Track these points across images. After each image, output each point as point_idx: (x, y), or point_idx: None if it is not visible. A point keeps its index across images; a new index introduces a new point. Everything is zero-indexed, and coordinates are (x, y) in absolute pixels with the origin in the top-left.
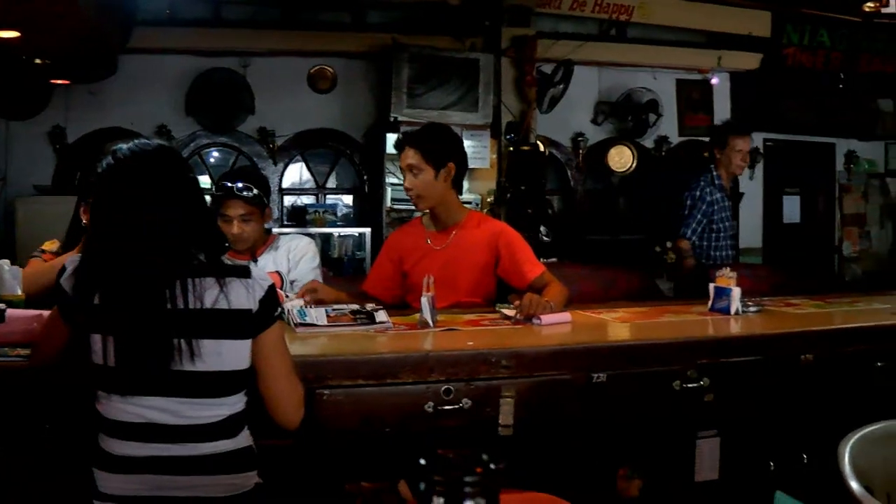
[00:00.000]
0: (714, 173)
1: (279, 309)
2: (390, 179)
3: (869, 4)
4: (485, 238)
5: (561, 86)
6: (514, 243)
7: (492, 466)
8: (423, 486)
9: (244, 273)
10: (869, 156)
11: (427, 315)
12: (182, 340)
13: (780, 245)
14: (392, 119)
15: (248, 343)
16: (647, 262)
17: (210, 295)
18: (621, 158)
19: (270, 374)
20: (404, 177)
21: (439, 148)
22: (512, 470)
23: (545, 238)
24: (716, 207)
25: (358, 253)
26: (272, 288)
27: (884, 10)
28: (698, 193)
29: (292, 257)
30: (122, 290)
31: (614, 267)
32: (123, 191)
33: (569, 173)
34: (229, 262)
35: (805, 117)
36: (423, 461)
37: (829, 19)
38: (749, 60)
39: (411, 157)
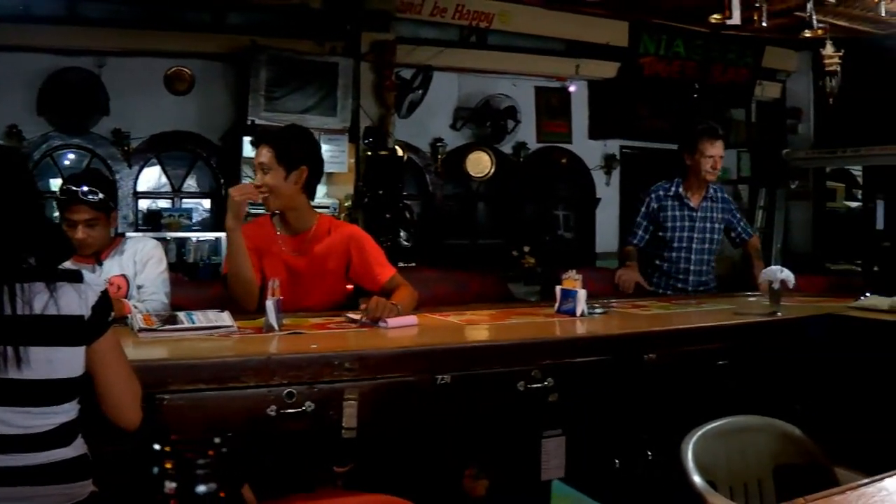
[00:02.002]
0: (675, 181)
1: (113, 314)
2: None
3: (715, 16)
4: (336, 243)
5: (420, 91)
6: (365, 247)
7: (224, 450)
8: (155, 470)
9: (76, 278)
10: (722, 163)
11: (272, 319)
12: (9, 347)
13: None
14: (249, 122)
15: (80, 350)
16: (506, 266)
17: (39, 300)
18: (480, 164)
19: (107, 381)
20: (256, 175)
21: (293, 150)
22: (357, 472)
23: (405, 243)
24: (666, 215)
25: (214, 258)
26: (105, 293)
27: (728, 23)
28: (644, 198)
29: (138, 260)
30: None
31: (466, 270)
32: None
33: (427, 178)
34: (72, 267)
35: (661, 125)
36: (156, 446)
37: (685, 30)
38: (607, 69)
39: (264, 154)
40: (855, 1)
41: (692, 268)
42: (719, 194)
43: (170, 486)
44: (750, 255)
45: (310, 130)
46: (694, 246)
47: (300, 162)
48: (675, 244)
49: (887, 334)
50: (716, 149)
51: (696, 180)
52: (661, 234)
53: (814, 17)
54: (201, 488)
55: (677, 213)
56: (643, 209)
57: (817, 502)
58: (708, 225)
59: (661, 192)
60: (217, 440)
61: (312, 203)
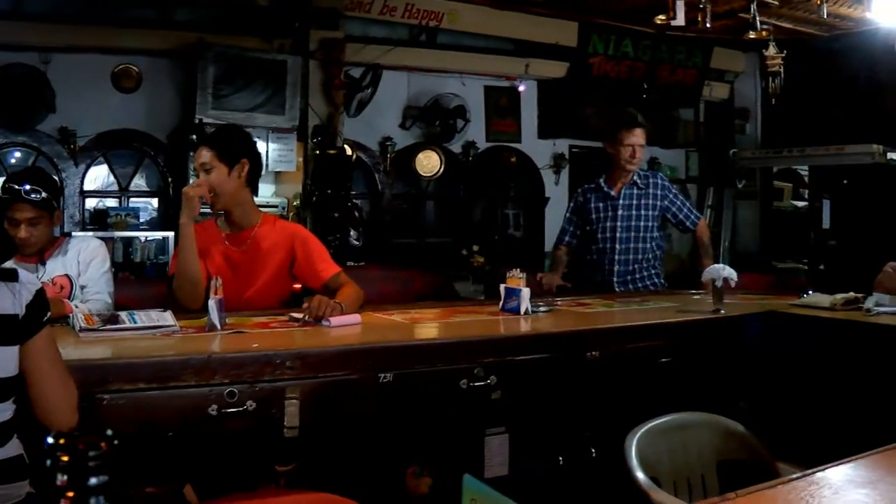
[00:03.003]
0: (602, 178)
1: (49, 314)
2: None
3: (660, 17)
4: (281, 239)
5: (369, 90)
6: (309, 243)
7: (116, 443)
8: (48, 462)
9: (11, 277)
10: (670, 163)
11: (214, 318)
12: None
13: None
14: (197, 120)
15: (14, 349)
16: (455, 265)
17: None
18: (429, 163)
19: (42, 380)
20: (199, 177)
21: (232, 145)
22: (300, 471)
23: (355, 242)
24: (589, 208)
25: (161, 257)
26: (41, 292)
27: (673, 23)
28: (574, 195)
29: (82, 260)
30: None
31: (412, 269)
32: None
33: (376, 177)
34: (12, 266)
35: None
36: (49, 440)
37: (634, 31)
38: (556, 69)
39: (204, 155)
40: (798, 3)
41: (618, 258)
42: (652, 180)
43: (62, 478)
44: (698, 249)
45: (242, 127)
46: (618, 235)
47: (240, 156)
48: (600, 235)
49: (827, 331)
50: (635, 137)
51: (618, 170)
52: (588, 228)
53: (757, 18)
54: (93, 480)
55: (601, 204)
56: (572, 206)
57: (749, 496)
58: (634, 213)
59: (586, 186)
60: (109, 432)
61: (259, 201)
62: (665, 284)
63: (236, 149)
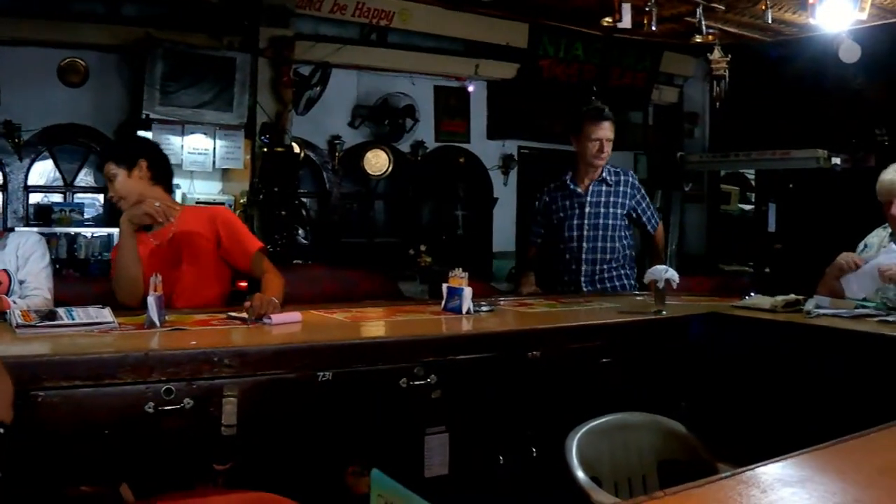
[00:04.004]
0: (568, 175)
1: None
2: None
3: (606, 20)
4: (202, 224)
5: (318, 88)
6: (231, 222)
7: (2, 432)
8: None
9: None
10: (619, 165)
11: (153, 315)
12: None
13: None
14: (144, 116)
15: None
16: (402, 264)
17: None
18: (377, 162)
19: None
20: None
21: (126, 149)
22: (238, 470)
23: (303, 241)
24: (556, 206)
25: (106, 254)
26: None
27: (619, 26)
28: (539, 196)
29: (21, 255)
30: None
31: (357, 268)
32: None
33: (325, 176)
34: None
35: (559, 127)
36: None
37: (584, 34)
38: (506, 70)
39: (106, 168)
40: (744, 8)
41: (585, 257)
42: (622, 177)
43: None
44: (652, 253)
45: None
46: (585, 234)
47: (136, 156)
48: (566, 234)
49: (767, 332)
50: (602, 130)
51: (584, 165)
52: (553, 227)
53: (703, 22)
54: None
55: (566, 202)
56: (537, 205)
57: (677, 495)
58: (601, 210)
59: (552, 185)
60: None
61: (205, 198)
62: (636, 285)
63: (131, 151)
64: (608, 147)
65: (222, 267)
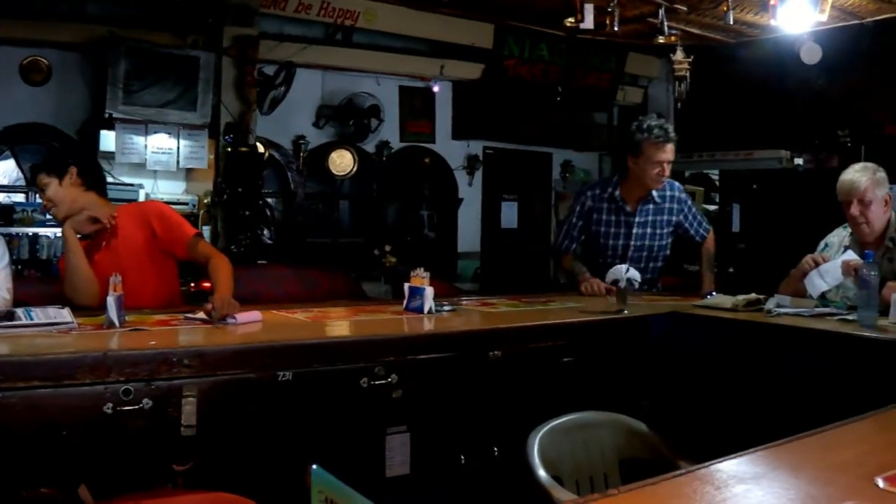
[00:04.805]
0: (613, 181)
1: None
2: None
3: (569, 20)
4: (136, 221)
5: (283, 88)
6: (163, 213)
7: None
8: None
9: None
10: (584, 166)
11: (113, 315)
12: None
13: (497, 249)
14: (107, 115)
15: None
16: (367, 264)
17: None
18: (342, 162)
19: None
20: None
21: (55, 158)
22: (198, 470)
23: (268, 241)
24: (599, 218)
25: None
26: None
27: (581, 26)
28: (578, 198)
29: None
30: None
31: (320, 268)
32: None
33: (289, 176)
34: None
35: (524, 127)
36: None
37: (550, 34)
38: (471, 70)
39: (38, 178)
40: (706, 9)
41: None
42: (668, 193)
43: None
44: (700, 260)
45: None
46: (630, 255)
47: (66, 164)
48: (610, 252)
49: (728, 331)
50: (665, 154)
51: (639, 185)
52: (592, 237)
53: (665, 23)
54: None
55: (612, 217)
56: (577, 209)
57: (632, 492)
58: (648, 231)
59: (598, 191)
60: None
61: (169, 198)
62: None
63: (60, 160)
64: (668, 170)
65: (166, 262)
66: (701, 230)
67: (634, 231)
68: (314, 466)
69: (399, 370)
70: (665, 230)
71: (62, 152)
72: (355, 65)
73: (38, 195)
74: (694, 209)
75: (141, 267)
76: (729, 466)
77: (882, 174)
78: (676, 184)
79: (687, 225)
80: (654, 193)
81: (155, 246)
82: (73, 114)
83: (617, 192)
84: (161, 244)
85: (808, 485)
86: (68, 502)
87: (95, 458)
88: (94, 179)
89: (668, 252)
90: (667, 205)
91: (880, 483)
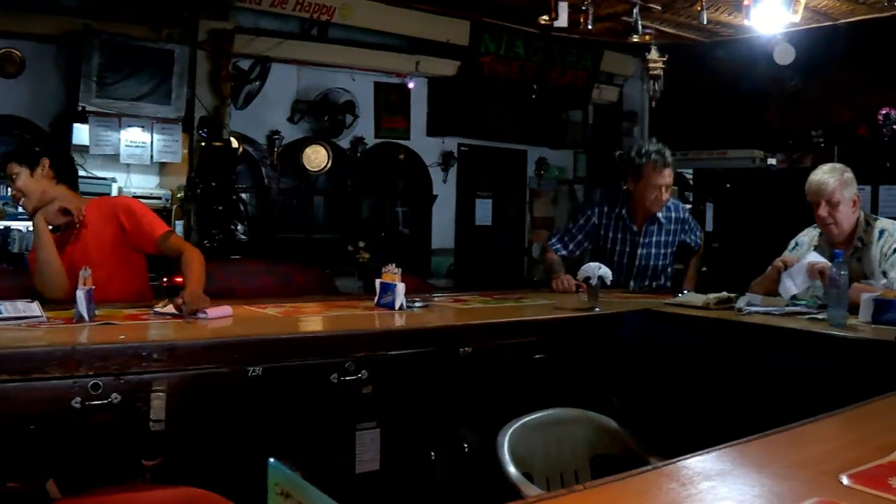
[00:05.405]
0: (621, 200)
1: None
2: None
3: (543, 18)
4: (105, 215)
5: (258, 82)
6: (133, 210)
7: None
8: None
9: None
10: (559, 163)
11: (82, 309)
12: None
13: (472, 246)
14: (81, 108)
15: None
16: (341, 260)
17: None
18: (317, 158)
19: None
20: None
21: (28, 149)
22: (167, 465)
23: (241, 236)
24: (607, 235)
25: None
26: None
27: (555, 24)
28: (587, 211)
29: None
30: None
31: (293, 263)
32: None
33: (263, 171)
34: None
35: (499, 124)
36: None
37: (525, 32)
38: (447, 67)
39: (8, 168)
40: (680, 9)
41: (631, 284)
42: (673, 215)
43: None
44: (688, 264)
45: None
46: (635, 271)
47: (38, 156)
48: (616, 260)
49: (699, 329)
50: (663, 178)
51: (640, 207)
52: (601, 249)
53: (639, 22)
54: None
55: (619, 235)
56: (582, 221)
57: (597, 488)
58: (653, 251)
59: (606, 209)
60: None
61: (141, 192)
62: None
63: (33, 151)
64: (667, 194)
65: (135, 257)
66: (697, 238)
67: (639, 252)
68: (271, 460)
69: (369, 366)
70: (669, 250)
71: (35, 144)
72: (331, 60)
73: (7, 186)
74: (693, 222)
75: (110, 262)
76: (695, 463)
77: (850, 175)
78: (682, 206)
79: (687, 239)
80: (660, 215)
81: (124, 241)
82: (47, 107)
83: (623, 212)
84: (130, 239)
85: (772, 482)
86: (36, 497)
87: (63, 452)
88: (65, 173)
89: (671, 267)
90: (672, 226)
91: (845, 480)
